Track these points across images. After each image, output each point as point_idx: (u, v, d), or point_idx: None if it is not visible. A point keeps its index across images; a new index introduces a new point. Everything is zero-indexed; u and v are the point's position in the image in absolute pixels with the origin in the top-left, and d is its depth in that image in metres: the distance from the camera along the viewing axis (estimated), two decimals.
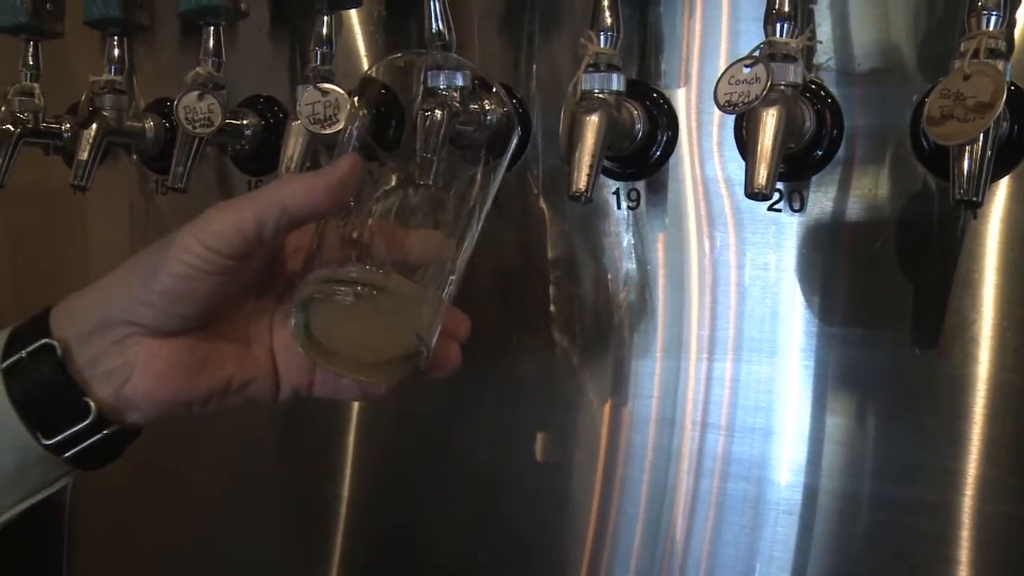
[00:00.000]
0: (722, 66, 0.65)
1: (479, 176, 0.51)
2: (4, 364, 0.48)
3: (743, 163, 0.63)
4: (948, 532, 0.60)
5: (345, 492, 0.83)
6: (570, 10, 0.71)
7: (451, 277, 0.50)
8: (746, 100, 0.55)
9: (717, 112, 0.64)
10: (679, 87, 0.67)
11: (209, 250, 0.46)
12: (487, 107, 0.68)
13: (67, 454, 0.49)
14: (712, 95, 0.64)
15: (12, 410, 0.48)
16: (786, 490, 0.65)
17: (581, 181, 0.58)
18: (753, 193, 0.54)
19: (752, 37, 0.63)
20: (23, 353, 0.48)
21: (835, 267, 0.64)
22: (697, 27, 0.66)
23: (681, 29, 0.67)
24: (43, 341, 0.48)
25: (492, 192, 0.52)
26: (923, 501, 0.61)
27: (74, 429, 0.48)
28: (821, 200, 0.63)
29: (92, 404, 0.48)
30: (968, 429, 0.59)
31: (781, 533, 0.66)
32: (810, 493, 0.65)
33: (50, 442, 0.48)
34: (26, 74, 0.83)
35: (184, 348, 0.49)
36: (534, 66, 0.73)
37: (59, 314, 0.49)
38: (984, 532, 0.59)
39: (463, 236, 0.51)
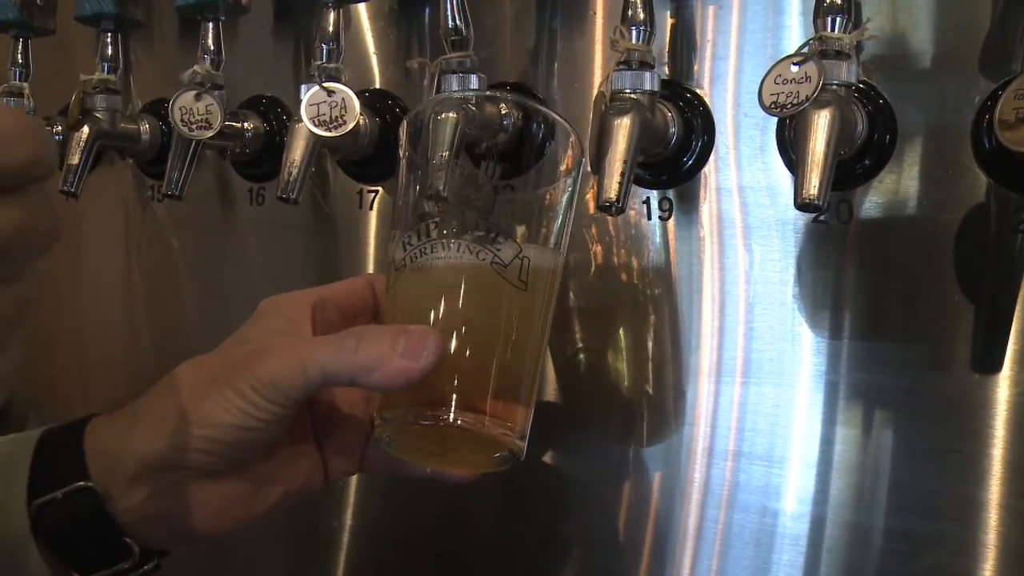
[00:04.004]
0: (756, 64, 0.61)
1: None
2: (37, 502, 0.46)
3: (781, 169, 0.60)
4: (969, 568, 0.56)
5: (348, 521, 0.79)
6: (595, 5, 0.66)
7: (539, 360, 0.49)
8: (795, 101, 0.50)
9: (731, 114, 0.61)
10: (709, 87, 0.63)
11: (275, 404, 0.45)
12: (503, 111, 0.64)
13: None
14: (751, 96, 0.60)
15: (32, 542, 0.45)
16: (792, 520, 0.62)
17: (612, 189, 0.53)
18: (804, 204, 0.49)
19: (798, 32, 0.59)
20: (58, 494, 0.46)
21: (882, 282, 0.59)
22: (734, 20, 0.62)
23: (716, 23, 0.62)
24: (81, 484, 0.46)
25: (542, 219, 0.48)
26: (942, 534, 0.58)
27: (113, 568, 0.47)
28: (869, 210, 0.59)
29: (135, 546, 0.47)
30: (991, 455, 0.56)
31: (788, 564, 0.62)
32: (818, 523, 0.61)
33: None
34: (15, 73, 0.80)
35: (240, 480, 0.48)
36: (555, 64, 0.68)
37: (96, 451, 0.47)
38: (1009, 568, 0.56)
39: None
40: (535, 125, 0.52)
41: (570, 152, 0.50)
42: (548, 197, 0.49)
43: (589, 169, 0.56)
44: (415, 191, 0.50)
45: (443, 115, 0.55)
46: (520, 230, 0.47)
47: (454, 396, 0.46)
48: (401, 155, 0.51)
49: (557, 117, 0.51)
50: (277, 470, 0.50)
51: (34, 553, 0.45)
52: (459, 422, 0.46)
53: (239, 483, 0.48)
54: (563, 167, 0.51)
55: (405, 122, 0.51)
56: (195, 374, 0.47)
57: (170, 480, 0.46)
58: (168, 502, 0.47)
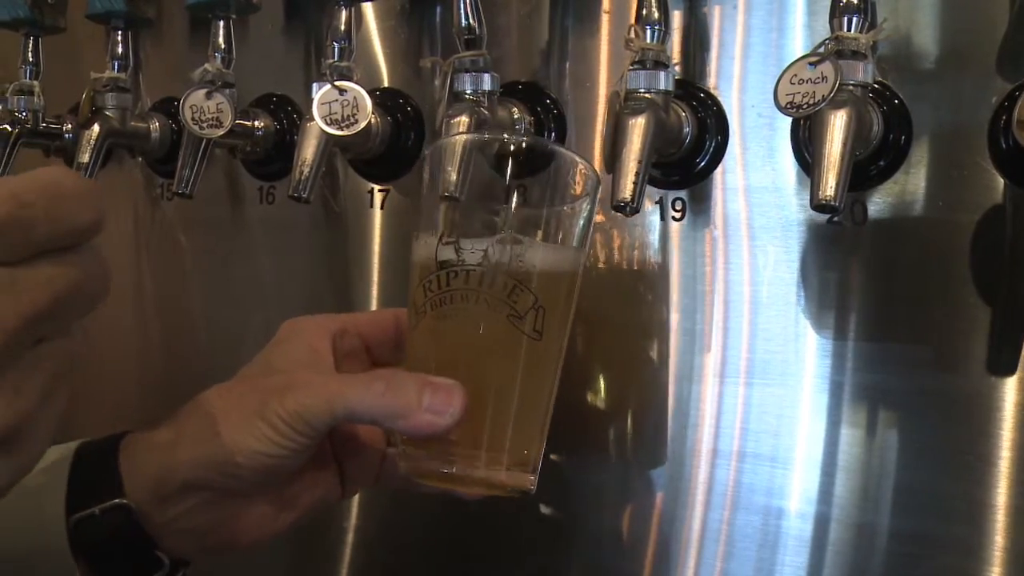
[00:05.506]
0: (763, 63, 0.60)
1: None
2: (75, 517, 0.48)
3: (791, 170, 0.60)
4: (978, 571, 0.56)
5: (354, 521, 0.79)
6: (605, 4, 0.66)
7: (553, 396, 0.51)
8: (811, 101, 0.50)
9: (740, 114, 0.61)
10: (724, 86, 0.62)
11: (302, 435, 0.47)
12: (515, 114, 0.64)
13: None
14: (759, 95, 0.59)
15: (70, 555, 0.48)
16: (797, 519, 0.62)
17: (627, 189, 0.53)
18: (820, 205, 0.49)
19: (804, 32, 0.59)
20: (96, 510, 0.48)
21: (895, 283, 0.59)
22: (740, 19, 0.61)
23: (723, 23, 0.62)
24: (118, 501, 0.48)
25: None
26: (950, 536, 0.57)
27: None
28: (884, 211, 0.58)
29: (166, 559, 0.49)
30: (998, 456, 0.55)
31: (793, 565, 0.62)
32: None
33: None
34: (26, 71, 0.80)
35: (265, 500, 0.51)
36: (566, 63, 0.68)
37: (130, 470, 0.49)
38: (1018, 571, 0.55)
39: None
40: (545, 161, 0.52)
41: (580, 184, 0.51)
42: (561, 226, 0.50)
43: (603, 170, 0.55)
44: (435, 205, 0.51)
45: (456, 117, 0.56)
46: (534, 278, 0.48)
47: (473, 443, 0.48)
48: (423, 181, 0.52)
49: (567, 152, 0.52)
50: (300, 490, 0.52)
51: (71, 566, 0.48)
52: (478, 466, 0.48)
53: (264, 503, 0.51)
54: (574, 195, 0.51)
55: (427, 152, 0.53)
56: (225, 401, 0.49)
57: (200, 499, 0.49)
58: (198, 519, 0.49)
